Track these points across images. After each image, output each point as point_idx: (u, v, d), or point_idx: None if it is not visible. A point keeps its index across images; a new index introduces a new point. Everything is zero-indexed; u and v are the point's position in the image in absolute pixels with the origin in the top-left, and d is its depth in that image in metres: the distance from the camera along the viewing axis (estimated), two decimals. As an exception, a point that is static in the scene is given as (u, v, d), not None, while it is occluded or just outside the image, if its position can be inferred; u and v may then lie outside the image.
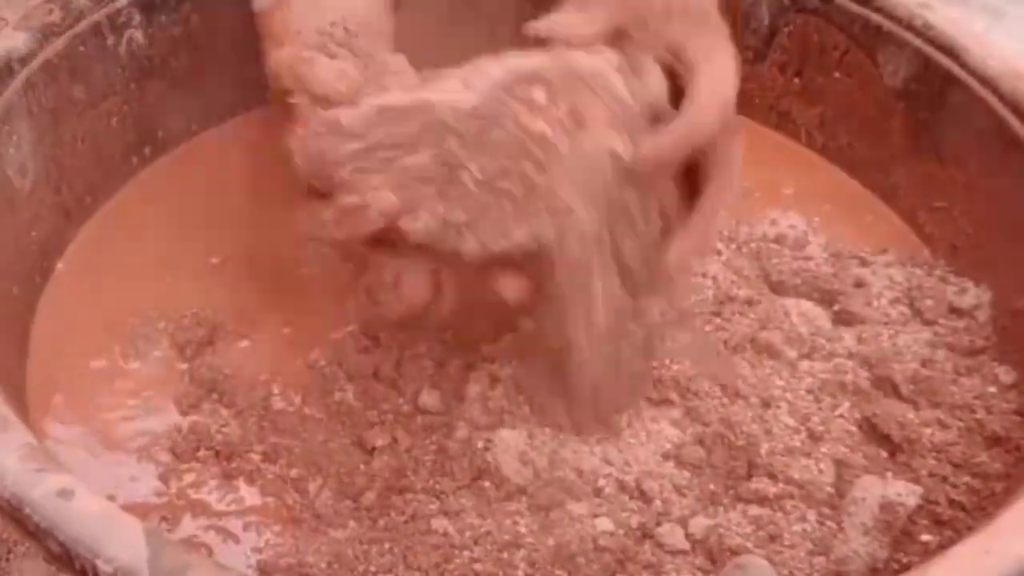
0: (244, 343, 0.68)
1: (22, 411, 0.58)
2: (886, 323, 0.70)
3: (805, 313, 0.70)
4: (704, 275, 0.71)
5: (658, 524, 0.59)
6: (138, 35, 0.75)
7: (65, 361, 0.66)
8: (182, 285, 0.71)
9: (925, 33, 0.76)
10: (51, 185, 0.71)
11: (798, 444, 0.63)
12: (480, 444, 0.61)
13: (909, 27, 0.77)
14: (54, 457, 0.52)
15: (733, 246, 0.74)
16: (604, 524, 0.59)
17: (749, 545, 0.58)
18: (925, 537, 0.59)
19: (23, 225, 0.68)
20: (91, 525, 0.47)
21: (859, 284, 0.72)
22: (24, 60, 0.68)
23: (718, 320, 0.69)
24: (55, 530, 0.47)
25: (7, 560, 0.53)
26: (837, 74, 0.82)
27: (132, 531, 0.46)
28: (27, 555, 0.49)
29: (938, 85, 0.76)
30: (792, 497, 0.61)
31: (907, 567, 0.57)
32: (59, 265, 0.72)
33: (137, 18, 0.75)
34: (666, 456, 0.62)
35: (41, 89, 0.69)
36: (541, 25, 0.60)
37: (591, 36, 0.60)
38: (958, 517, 0.60)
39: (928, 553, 0.58)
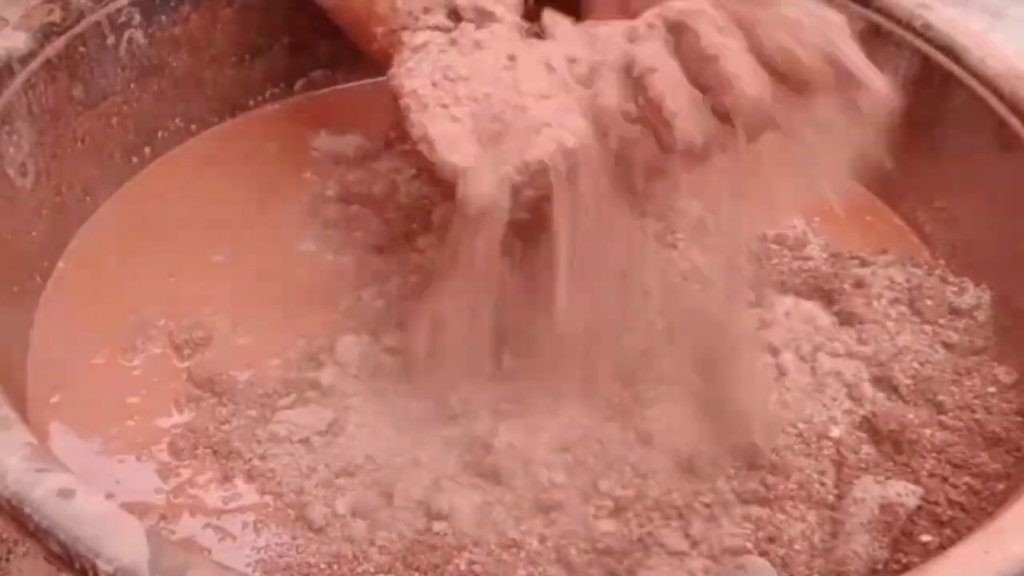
0: (243, 341, 0.68)
1: (22, 410, 0.58)
2: (886, 323, 0.70)
3: (805, 313, 0.70)
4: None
5: (659, 525, 0.59)
6: (138, 35, 0.75)
7: (65, 360, 0.66)
8: (182, 285, 0.71)
9: (924, 33, 0.76)
10: (51, 185, 0.71)
11: (798, 444, 0.63)
12: (480, 444, 0.61)
13: (908, 27, 0.77)
14: (54, 456, 0.52)
15: (733, 246, 0.74)
16: (604, 525, 0.59)
17: (749, 546, 0.58)
18: (925, 537, 0.59)
19: (23, 225, 0.68)
20: (91, 525, 0.47)
21: (859, 284, 0.72)
22: (24, 60, 0.68)
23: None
24: (55, 530, 0.47)
25: (7, 560, 0.53)
26: (837, 74, 0.81)
27: (132, 531, 0.46)
28: (27, 555, 0.49)
29: (938, 85, 0.76)
30: (792, 497, 0.60)
31: (907, 567, 0.57)
32: (59, 265, 0.72)
33: (137, 18, 0.75)
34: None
35: (41, 89, 0.69)
36: None
37: None
38: (958, 517, 0.60)
39: (928, 553, 0.58)
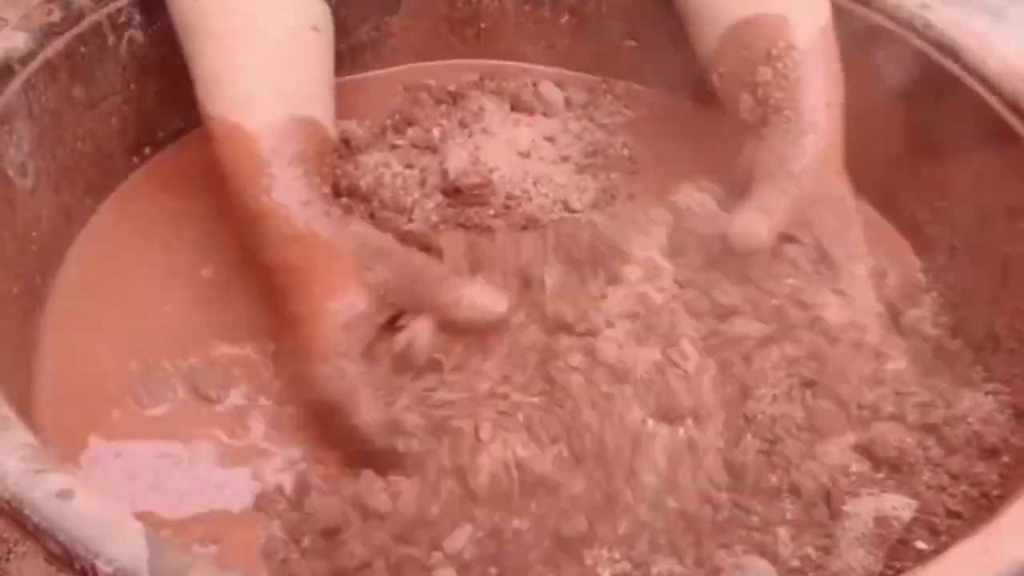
0: (239, 345, 0.68)
1: (22, 411, 0.58)
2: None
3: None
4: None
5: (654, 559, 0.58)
6: (138, 35, 0.75)
7: (65, 360, 0.66)
8: (183, 285, 0.71)
9: (925, 33, 0.76)
10: (51, 185, 0.71)
11: (793, 457, 0.62)
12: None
13: (910, 27, 0.77)
14: (54, 457, 0.52)
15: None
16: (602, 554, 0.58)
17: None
18: (920, 545, 0.58)
19: (23, 225, 0.68)
20: (91, 525, 0.47)
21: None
22: (24, 60, 0.68)
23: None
24: (55, 530, 0.47)
25: (7, 560, 0.53)
26: (837, 74, 0.81)
27: (132, 531, 0.47)
28: (27, 555, 0.49)
29: (938, 85, 0.76)
30: (786, 520, 0.60)
31: (900, 571, 0.57)
32: (62, 266, 0.71)
33: (137, 18, 0.75)
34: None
35: (41, 89, 0.69)
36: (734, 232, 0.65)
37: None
38: (955, 526, 0.59)
39: (923, 559, 0.57)
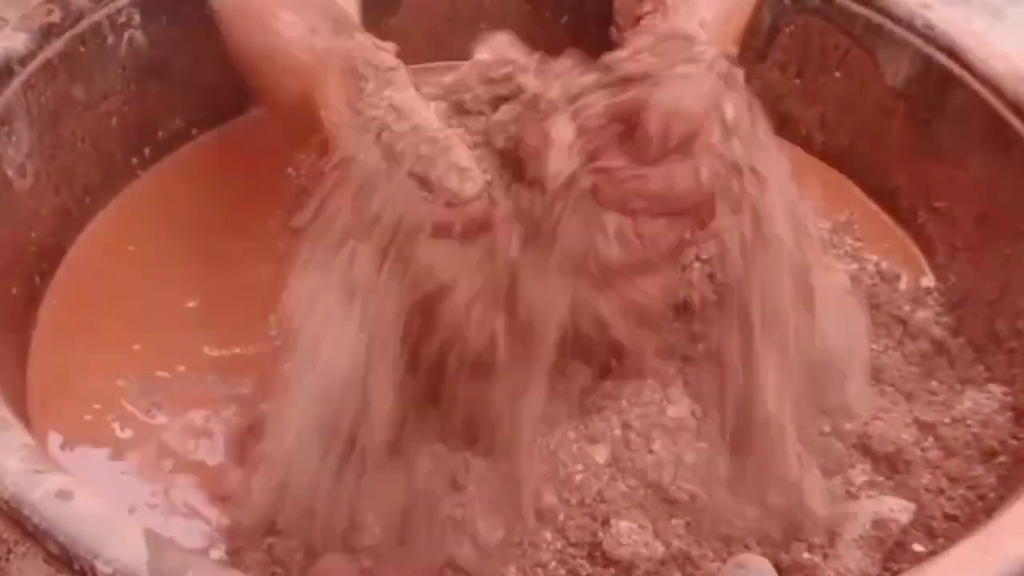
0: (239, 348, 0.68)
1: (21, 412, 0.58)
2: (880, 339, 0.69)
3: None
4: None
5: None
6: (138, 35, 0.75)
7: (65, 362, 0.66)
8: (181, 289, 0.71)
9: (926, 33, 0.76)
10: (51, 186, 0.71)
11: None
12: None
13: (910, 27, 0.77)
14: (52, 458, 0.52)
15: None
16: None
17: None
18: (917, 547, 0.58)
19: (23, 225, 0.68)
20: (90, 526, 0.47)
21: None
22: (24, 60, 0.68)
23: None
24: (54, 531, 0.47)
25: (7, 560, 0.53)
26: (838, 74, 0.82)
27: (131, 532, 0.47)
28: (27, 555, 0.49)
29: (938, 85, 0.76)
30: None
31: (897, 573, 0.57)
32: (60, 271, 0.71)
33: (137, 18, 0.75)
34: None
35: (41, 89, 0.69)
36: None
37: None
38: (953, 528, 0.59)
39: (919, 561, 0.57)
